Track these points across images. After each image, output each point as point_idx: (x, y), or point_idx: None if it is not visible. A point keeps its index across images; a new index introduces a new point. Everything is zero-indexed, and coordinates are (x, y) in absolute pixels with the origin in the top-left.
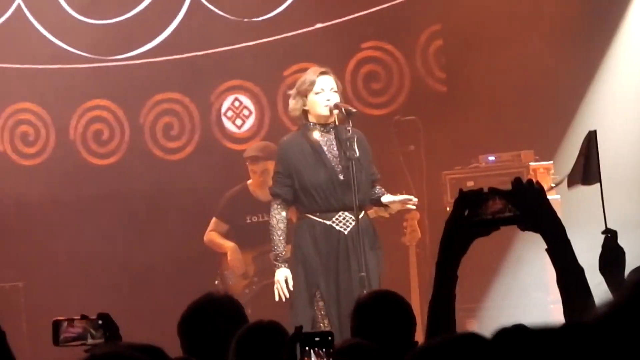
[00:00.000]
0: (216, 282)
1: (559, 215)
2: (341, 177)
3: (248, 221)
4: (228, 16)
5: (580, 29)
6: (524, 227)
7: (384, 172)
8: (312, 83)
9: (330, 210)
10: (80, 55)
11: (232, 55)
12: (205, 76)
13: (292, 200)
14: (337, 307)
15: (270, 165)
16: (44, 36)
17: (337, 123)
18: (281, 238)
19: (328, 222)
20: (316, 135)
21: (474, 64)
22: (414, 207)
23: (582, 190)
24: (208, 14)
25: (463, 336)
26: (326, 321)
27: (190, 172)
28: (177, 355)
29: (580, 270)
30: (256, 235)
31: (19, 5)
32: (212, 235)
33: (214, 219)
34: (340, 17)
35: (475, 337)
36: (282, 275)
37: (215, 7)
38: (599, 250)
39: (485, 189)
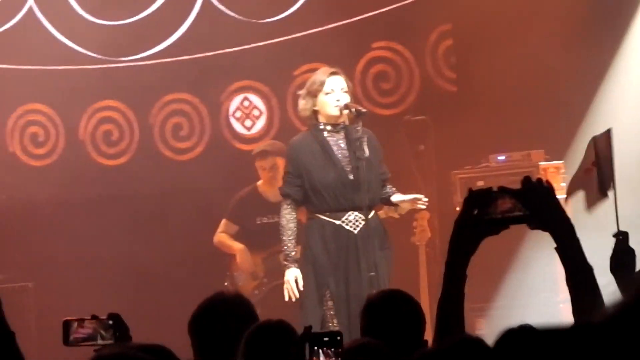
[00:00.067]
0: (225, 284)
1: (569, 214)
2: (351, 177)
3: (258, 222)
4: (238, 17)
5: (591, 28)
6: (534, 226)
7: (393, 172)
8: (322, 83)
9: (340, 210)
10: (90, 56)
11: (242, 56)
12: (215, 77)
13: (302, 201)
14: (347, 307)
15: (279, 161)
16: (55, 37)
17: (347, 123)
18: (291, 238)
19: (338, 222)
20: (326, 135)
21: (483, 63)
22: (424, 207)
23: None
24: (218, 14)
25: (465, 343)
26: (335, 321)
27: (200, 172)
28: (187, 356)
29: (590, 269)
30: (266, 236)
31: (30, 7)
32: (222, 236)
33: (223, 220)
34: (349, 18)
35: (477, 345)
36: (292, 276)
37: (226, 7)
38: (608, 249)
39: (495, 188)
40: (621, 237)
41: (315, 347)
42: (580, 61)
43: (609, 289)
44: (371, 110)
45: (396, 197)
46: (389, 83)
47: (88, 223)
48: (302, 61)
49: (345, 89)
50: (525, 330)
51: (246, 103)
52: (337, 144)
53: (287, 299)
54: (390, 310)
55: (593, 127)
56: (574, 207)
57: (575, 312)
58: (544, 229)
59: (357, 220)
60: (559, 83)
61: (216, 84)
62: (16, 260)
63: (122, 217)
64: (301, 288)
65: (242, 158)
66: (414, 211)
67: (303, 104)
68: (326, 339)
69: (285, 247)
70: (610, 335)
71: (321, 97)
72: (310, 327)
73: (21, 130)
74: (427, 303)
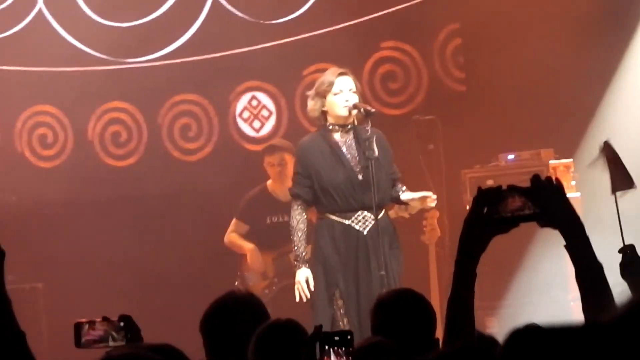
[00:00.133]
0: (236, 283)
1: (579, 212)
2: (360, 177)
3: (268, 222)
4: (247, 17)
5: (601, 26)
6: (543, 224)
7: (403, 171)
8: (331, 84)
9: (349, 210)
10: (99, 57)
11: (250, 57)
12: (223, 77)
13: (312, 201)
14: (357, 306)
15: (287, 156)
16: (64, 39)
17: (356, 123)
18: (301, 239)
19: (347, 222)
20: (335, 135)
21: (492, 62)
22: (434, 204)
23: (602, 187)
24: (227, 15)
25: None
26: (345, 320)
27: (209, 173)
28: (198, 357)
29: (599, 267)
30: (276, 236)
31: (40, 9)
32: (232, 236)
33: (234, 220)
34: (357, 18)
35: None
36: (303, 276)
37: (235, 8)
38: (618, 246)
39: (504, 187)
40: (628, 252)
41: (326, 347)
42: (589, 60)
43: (617, 289)
44: (379, 110)
45: (405, 196)
46: (397, 83)
47: (97, 224)
48: (311, 61)
49: (354, 89)
50: (531, 330)
51: (254, 103)
52: (346, 144)
53: (298, 299)
54: (400, 309)
55: (602, 126)
56: (584, 206)
57: (585, 309)
58: (554, 227)
59: (366, 220)
60: (567, 82)
61: (224, 85)
62: (26, 261)
63: (131, 217)
64: (312, 288)
65: (251, 158)
66: (423, 210)
67: (312, 104)
68: (337, 338)
69: (296, 248)
70: (619, 335)
71: (330, 98)
72: (321, 326)
73: (30, 131)
74: (438, 302)
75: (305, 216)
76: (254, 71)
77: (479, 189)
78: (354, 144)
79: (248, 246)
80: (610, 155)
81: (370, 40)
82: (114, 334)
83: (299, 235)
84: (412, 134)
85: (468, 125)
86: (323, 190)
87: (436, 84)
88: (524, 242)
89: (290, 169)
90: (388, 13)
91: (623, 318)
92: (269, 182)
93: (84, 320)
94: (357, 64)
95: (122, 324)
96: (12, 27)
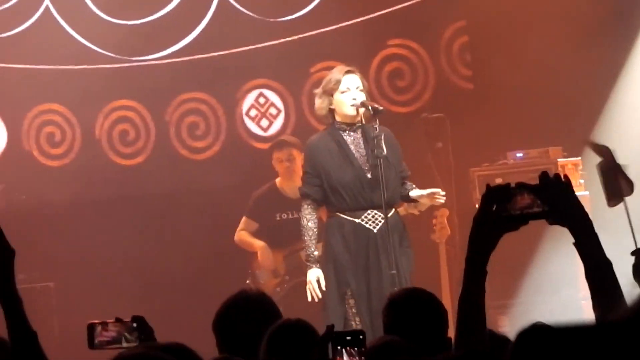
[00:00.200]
0: (247, 282)
1: (587, 210)
2: (369, 175)
3: (278, 219)
4: (254, 15)
5: (608, 25)
6: (552, 221)
7: (411, 169)
8: (338, 82)
9: (359, 208)
10: (106, 55)
11: (258, 55)
12: (230, 75)
13: (321, 200)
14: (368, 305)
15: (295, 152)
16: (71, 37)
17: (364, 121)
18: (312, 238)
19: (357, 220)
20: (343, 134)
21: (499, 60)
22: (442, 201)
23: None
24: (234, 13)
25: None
26: (357, 319)
27: (217, 171)
28: (210, 356)
29: (608, 264)
30: (287, 233)
31: (47, 7)
32: (242, 234)
33: (244, 218)
34: (364, 16)
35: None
36: (314, 276)
37: (242, 6)
38: (626, 245)
39: (513, 184)
40: None
41: (339, 347)
42: (597, 58)
43: (626, 288)
44: (386, 108)
45: (414, 193)
46: (404, 81)
47: (105, 222)
48: (318, 59)
49: (361, 87)
50: (540, 330)
51: (262, 101)
52: (355, 142)
53: (309, 299)
54: (412, 308)
55: (610, 123)
56: (593, 204)
57: (595, 307)
58: (563, 225)
59: (376, 219)
60: (576, 80)
61: (232, 83)
62: (37, 260)
63: (140, 216)
64: (323, 288)
65: (259, 157)
66: (433, 209)
67: (319, 103)
68: (349, 338)
69: (307, 248)
70: (630, 333)
71: (337, 96)
72: (333, 326)
73: (37, 130)
74: (449, 300)
75: (316, 215)
76: (261, 69)
77: (488, 186)
78: (362, 143)
79: (258, 244)
80: (604, 167)
81: (377, 38)
82: (126, 334)
83: (310, 235)
84: (420, 132)
85: (476, 123)
86: (332, 189)
87: (443, 82)
88: (534, 239)
89: (298, 165)
90: (395, 10)
91: (634, 316)
92: (277, 179)
93: (96, 321)
94: (364, 61)
95: (134, 324)
96: (19, 25)
